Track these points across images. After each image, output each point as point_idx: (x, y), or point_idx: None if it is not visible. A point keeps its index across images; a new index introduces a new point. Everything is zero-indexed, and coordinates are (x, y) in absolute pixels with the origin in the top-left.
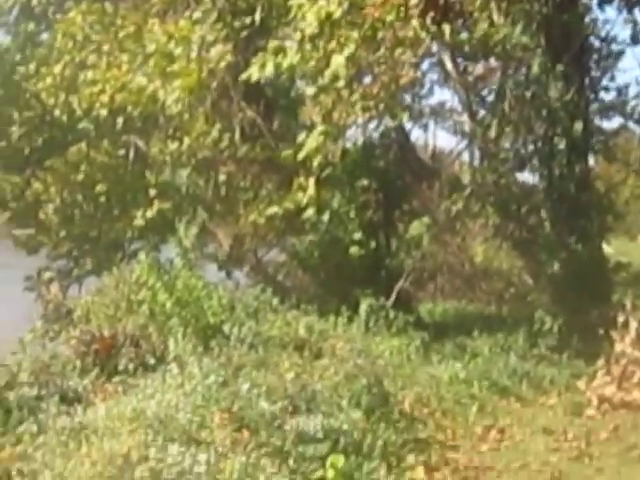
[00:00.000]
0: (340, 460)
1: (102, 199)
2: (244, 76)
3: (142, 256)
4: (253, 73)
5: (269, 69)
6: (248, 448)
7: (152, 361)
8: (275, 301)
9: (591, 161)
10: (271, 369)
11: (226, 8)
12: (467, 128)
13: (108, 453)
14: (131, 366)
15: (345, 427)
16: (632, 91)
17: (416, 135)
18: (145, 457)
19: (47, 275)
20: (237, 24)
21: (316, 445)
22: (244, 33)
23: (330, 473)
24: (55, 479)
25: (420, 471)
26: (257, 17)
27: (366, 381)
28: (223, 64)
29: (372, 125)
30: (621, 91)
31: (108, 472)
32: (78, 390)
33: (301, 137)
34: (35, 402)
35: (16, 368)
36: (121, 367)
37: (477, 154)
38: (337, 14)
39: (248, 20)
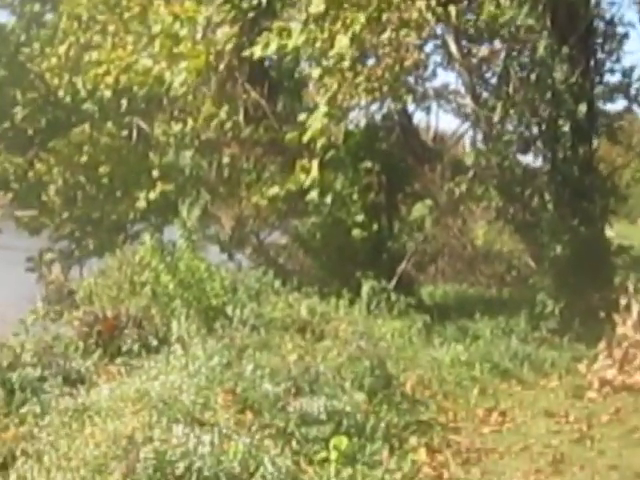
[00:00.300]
0: (343, 442)
1: (105, 180)
2: (246, 53)
3: (146, 237)
4: (256, 51)
5: (272, 48)
6: (252, 429)
7: (155, 342)
8: (277, 283)
9: (594, 143)
10: (274, 351)
11: None
12: (470, 110)
13: (112, 434)
14: (134, 347)
15: (348, 409)
16: (637, 73)
17: (418, 117)
18: (149, 438)
19: (49, 256)
20: (245, 5)
21: (319, 427)
22: (251, 14)
23: (333, 455)
24: (60, 459)
25: (422, 453)
26: None
27: (369, 363)
28: (230, 46)
29: (374, 107)
30: (626, 73)
31: (112, 453)
32: (81, 371)
33: (302, 117)
34: (38, 383)
35: (19, 349)
36: (124, 348)
37: (479, 136)
38: None
39: (255, 1)
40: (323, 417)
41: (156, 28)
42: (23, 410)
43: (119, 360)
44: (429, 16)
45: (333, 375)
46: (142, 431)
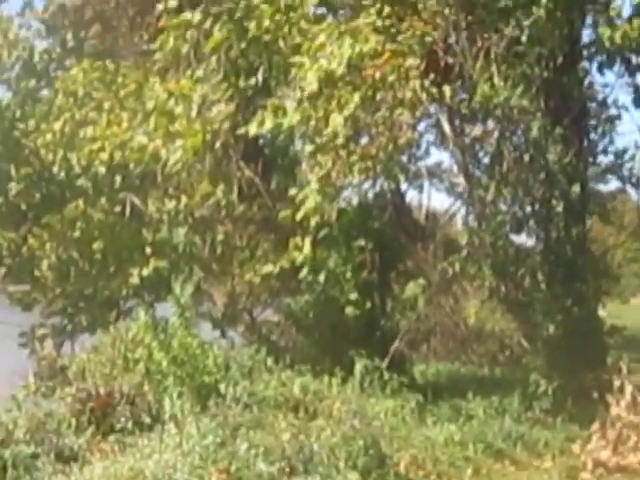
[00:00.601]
0: None
1: (98, 256)
2: (242, 131)
3: (140, 314)
4: (251, 129)
5: (267, 126)
6: None
7: (148, 420)
8: (269, 361)
9: (587, 224)
10: (267, 430)
11: (229, 68)
12: (462, 189)
13: None
14: (127, 425)
15: None
16: (629, 154)
17: (411, 195)
18: None
19: (41, 332)
20: (241, 84)
21: None
22: (248, 93)
23: None
24: None
25: None
26: (259, 77)
27: (362, 443)
28: (227, 124)
29: (367, 185)
30: (618, 154)
31: None
32: (74, 448)
33: (293, 191)
34: (31, 460)
35: (12, 425)
36: (117, 426)
37: (472, 215)
38: (339, 72)
39: (252, 80)
40: None
41: (150, 104)
42: None
43: (112, 438)
44: (423, 96)
45: (327, 454)
46: None
